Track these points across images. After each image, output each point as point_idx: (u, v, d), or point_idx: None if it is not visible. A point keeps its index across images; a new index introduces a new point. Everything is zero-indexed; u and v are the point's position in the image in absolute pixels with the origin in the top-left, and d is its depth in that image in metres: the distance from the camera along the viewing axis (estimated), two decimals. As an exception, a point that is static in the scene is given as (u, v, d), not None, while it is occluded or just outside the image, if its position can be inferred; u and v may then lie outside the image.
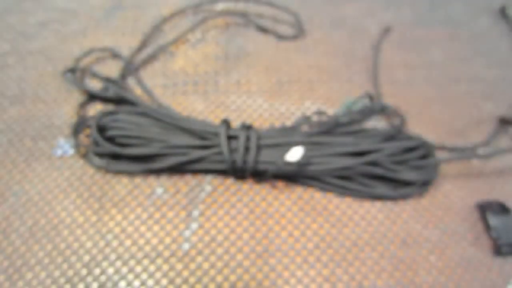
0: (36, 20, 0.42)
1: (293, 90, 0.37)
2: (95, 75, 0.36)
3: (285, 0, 0.45)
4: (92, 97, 0.35)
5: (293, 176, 0.30)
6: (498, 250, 0.28)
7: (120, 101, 0.34)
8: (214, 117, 0.35)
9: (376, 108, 0.33)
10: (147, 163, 0.30)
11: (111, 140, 0.31)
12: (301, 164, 0.29)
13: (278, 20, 0.43)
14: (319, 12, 0.44)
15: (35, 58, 0.39)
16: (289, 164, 0.28)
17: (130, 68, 0.37)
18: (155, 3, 0.44)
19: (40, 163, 0.32)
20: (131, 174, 0.31)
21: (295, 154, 0.28)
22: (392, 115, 0.34)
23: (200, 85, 0.37)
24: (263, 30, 0.42)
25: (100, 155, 0.31)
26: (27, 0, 0.44)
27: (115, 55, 0.38)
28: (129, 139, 0.30)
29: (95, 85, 0.36)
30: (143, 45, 0.38)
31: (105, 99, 0.35)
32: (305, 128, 0.32)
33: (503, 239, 0.28)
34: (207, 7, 0.41)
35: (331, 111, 0.36)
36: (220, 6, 0.40)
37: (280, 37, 0.41)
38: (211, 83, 0.37)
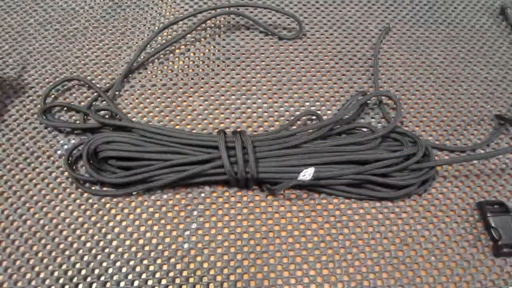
0: (36, 20, 0.42)
1: (293, 90, 0.37)
2: (71, 108, 0.35)
3: (285, 0, 0.45)
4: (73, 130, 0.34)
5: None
6: (499, 250, 0.28)
7: (101, 128, 0.33)
8: (214, 118, 0.35)
9: (362, 98, 0.33)
10: (146, 182, 0.30)
11: (106, 162, 0.30)
12: (311, 179, 0.29)
13: (278, 20, 0.43)
14: (319, 12, 0.44)
15: (35, 58, 0.39)
16: (301, 181, 0.28)
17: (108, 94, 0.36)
18: (155, 3, 0.44)
19: (40, 163, 0.32)
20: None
21: (307, 174, 0.28)
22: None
23: (200, 85, 0.37)
24: (263, 30, 0.42)
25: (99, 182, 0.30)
26: (27, 0, 0.44)
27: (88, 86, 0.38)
28: (125, 161, 0.30)
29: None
30: (136, 58, 0.37)
31: (85, 129, 0.33)
32: (301, 129, 0.32)
33: (503, 239, 0.28)
34: (207, 7, 0.41)
35: (331, 111, 0.36)
36: (220, 7, 0.40)
37: (280, 37, 0.41)
38: (211, 83, 0.37)
